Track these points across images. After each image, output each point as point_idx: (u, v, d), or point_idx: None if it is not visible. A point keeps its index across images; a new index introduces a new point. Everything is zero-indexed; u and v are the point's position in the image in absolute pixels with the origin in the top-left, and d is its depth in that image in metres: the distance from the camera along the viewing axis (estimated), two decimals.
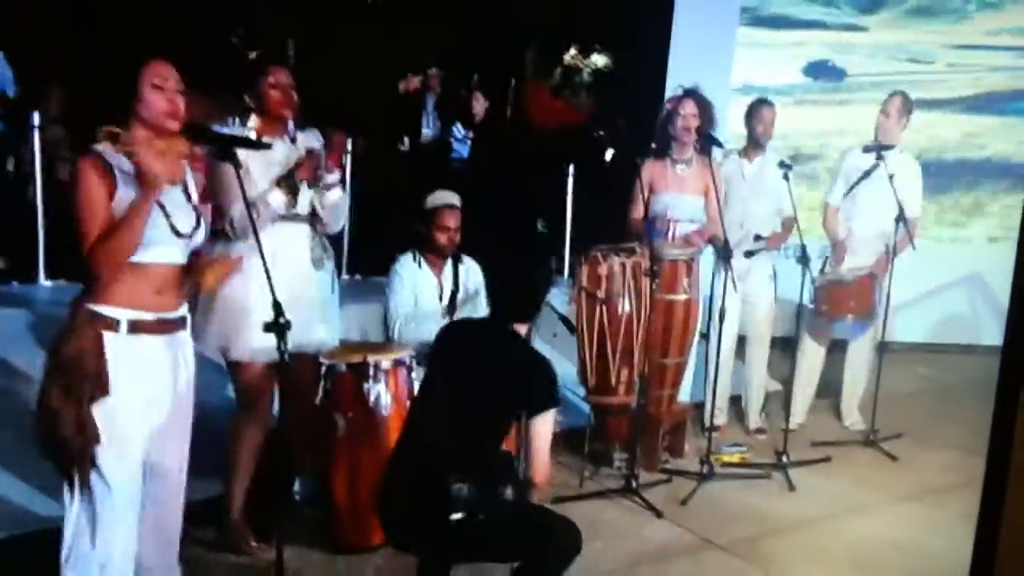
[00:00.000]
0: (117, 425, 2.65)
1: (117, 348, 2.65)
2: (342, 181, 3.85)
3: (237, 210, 3.34)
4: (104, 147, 2.65)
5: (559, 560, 2.94)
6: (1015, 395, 1.44)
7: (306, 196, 3.68)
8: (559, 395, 3.02)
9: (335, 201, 3.76)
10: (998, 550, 1.49)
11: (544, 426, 2.94)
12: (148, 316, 2.71)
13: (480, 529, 2.82)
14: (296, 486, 4.16)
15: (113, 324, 2.64)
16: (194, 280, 2.97)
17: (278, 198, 3.50)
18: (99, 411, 2.62)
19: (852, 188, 5.57)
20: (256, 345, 3.44)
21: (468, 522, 2.78)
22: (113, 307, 2.64)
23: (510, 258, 3.31)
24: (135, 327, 2.68)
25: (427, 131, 8.23)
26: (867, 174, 5.47)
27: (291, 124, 3.67)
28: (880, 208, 5.49)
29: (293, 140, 3.64)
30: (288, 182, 3.53)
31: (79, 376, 2.59)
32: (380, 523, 3.05)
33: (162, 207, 2.69)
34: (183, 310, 2.89)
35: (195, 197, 2.90)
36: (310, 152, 3.59)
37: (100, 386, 2.61)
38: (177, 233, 2.73)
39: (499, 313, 3.15)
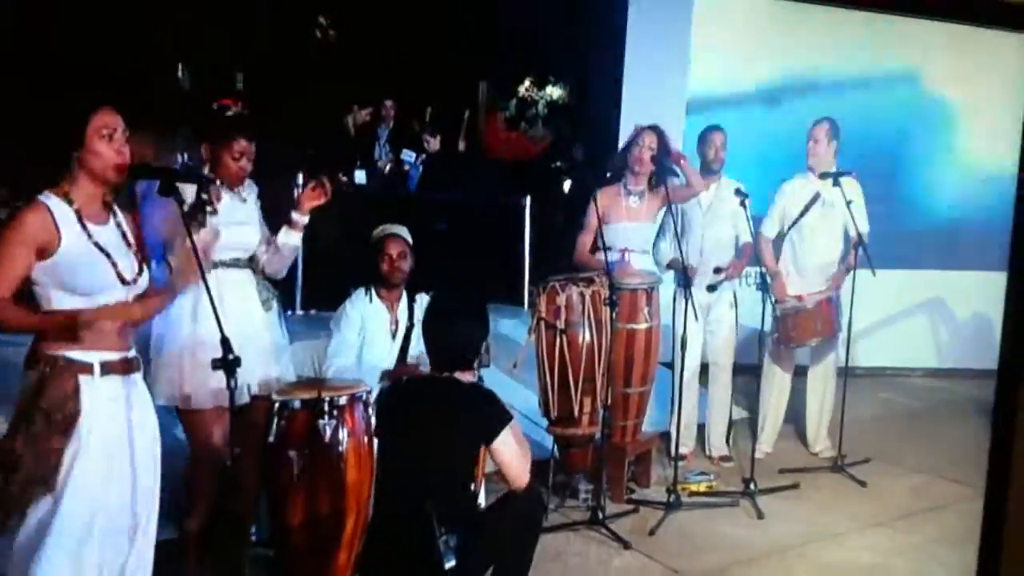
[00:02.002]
0: (88, 470, 2.59)
1: (92, 391, 2.61)
2: (277, 213, 3.82)
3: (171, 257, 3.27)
4: (50, 198, 2.59)
5: (526, 547, 3.21)
6: (1012, 415, 1.41)
7: (246, 237, 3.67)
8: (506, 412, 3.16)
9: (294, 244, 3.78)
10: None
11: (504, 445, 3.11)
12: (114, 356, 2.69)
13: (468, 566, 3.01)
14: (253, 527, 4.02)
15: (88, 368, 2.60)
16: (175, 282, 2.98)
17: (203, 236, 3.34)
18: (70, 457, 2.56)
19: (799, 219, 5.56)
20: (207, 390, 3.44)
21: (461, 566, 2.95)
22: (85, 351, 2.59)
23: (443, 311, 3.35)
24: (106, 369, 2.65)
25: (380, 163, 8.16)
26: (811, 203, 5.49)
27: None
28: (828, 235, 5.55)
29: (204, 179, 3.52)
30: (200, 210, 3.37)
31: (56, 423, 2.53)
32: None
33: (107, 255, 2.64)
34: (134, 351, 2.84)
35: (133, 239, 2.83)
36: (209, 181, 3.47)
37: (68, 433, 2.55)
38: (123, 280, 2.70)
39: (438, 365, 3.26)
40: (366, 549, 3.23)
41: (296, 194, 3.84)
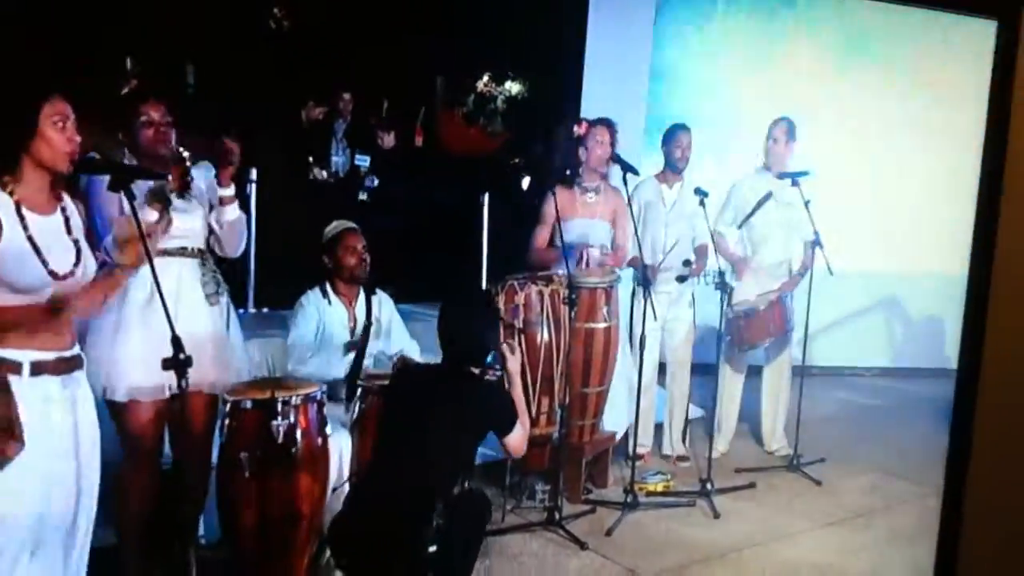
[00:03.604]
0: (17, 475, 2.47)
1: (22, 393, 2.48)
2: (241, 200, 3.69)
3: (110, 237, 3.13)
4: None
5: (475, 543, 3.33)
6: (970, 413, 1.40)
7: (193, 223, 3.55)
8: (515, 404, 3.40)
9: (232, 220, 3.63)
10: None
11: (516, 434, 3.37)
12: (49, 356, 2.56)
13: (446, 553, 3.11)
14: (201, 529, 3.94)
15: (16, 367, 2.48)
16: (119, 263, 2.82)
17: (150, 215, 3.19)
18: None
19: (749, 217, 5.59)
20: (134, 383, 3.33)
21: (440, 551, 3.07)
22: (14, 349, 2.48)
23: (461, 310, 3.47)
24: (38, 368, 2.53)
25: (336, 158, 8.03)
26: (762, 202, 5.51)
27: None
28: (781, 234, 5.59)
29: (163, 176, 3.37)
30: (158, 195, 3.24)
31: None
32: (340, 560, 3.28)
33: (35, 247, 2.51)
34: (77, 348, 2.73)
35: (77, 231, 2.71)
36: (176, 160, 3.35)
37: (14, 436, 2.45)
38: (55, 275, 2.55)
39: (454, 360, 3.39)
40: (342, 529, 3.21)
41: None
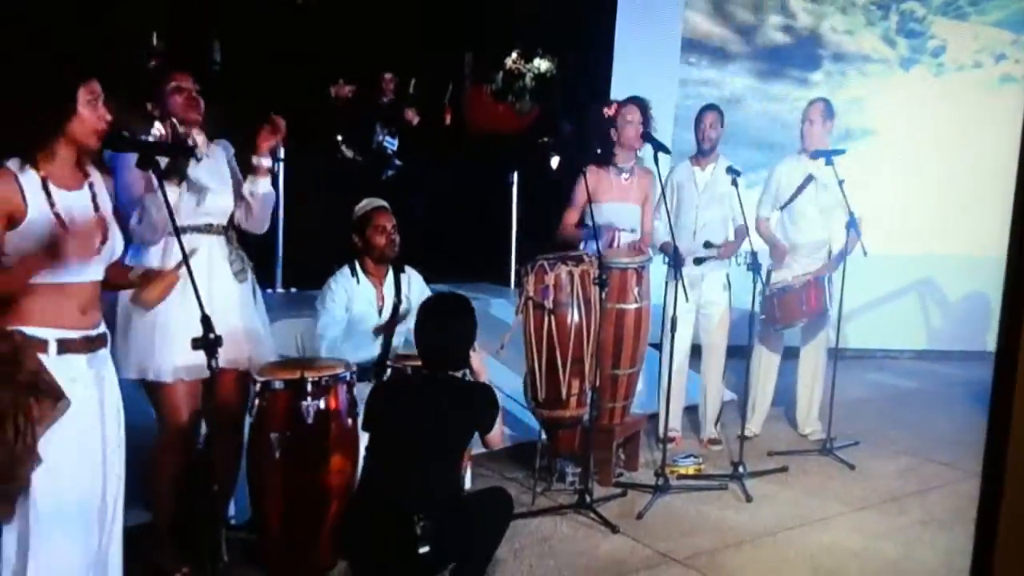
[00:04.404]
0: (54, 450, 2.49)
1: (51, 369, 2.50)
2: (273, 176, 3.68)
3: (135, 216, 3.20)
4: (15, 164, 2.48)
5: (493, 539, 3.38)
6: (1009, 396, 1.34)
7: (219, 201, 3.55)
8: (497, 400, 3.38)
9: (265, 192, 3.63)
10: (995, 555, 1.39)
11: (494, 433, 3.38)
12: (75, 335, 2.57)
13: (440, 552, 3.14)
14: (232, 510, 3.94)
15: (43, 345, 2.49)
16: (137, 296, 2.86)
17: (172, 191, 3.22)
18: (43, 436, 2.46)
19: (791, 200, 5.54)
20: (178, 364, 3.34)
21: (432, 551, 3.07)
22: (40, 328, 2.49)
23: (433, 315, 3.41)
24: (64, 347, 2.53)
25: (379, 138, 7.94)
26: (804, 185, 5.47)
27: (195, 132, 3.50)
28: (821, 215, 5.52)
29: (188, 153, 3.38)
30: (178, 169, 3.29)
31: (29, 399, 2.43)
32: (348, 558, 3.39)
33: (64, 225, 2.50)
34: (103, 326, 2.73)
35: (104, 207, 2.70)
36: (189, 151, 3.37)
37: (55, 395, 2.47)
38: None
39: (432, 366, 3.38)
40: (348, 530, 3.25)
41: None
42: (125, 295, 3.22)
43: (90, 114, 2.55)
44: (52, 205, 2.49)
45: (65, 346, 2.54)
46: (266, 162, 3.60)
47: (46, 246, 2.41)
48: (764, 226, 5.58)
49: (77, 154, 2.61)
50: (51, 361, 2.50)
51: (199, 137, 3.48)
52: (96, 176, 2.70)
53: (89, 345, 2.63)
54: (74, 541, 2.58)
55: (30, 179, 2.48)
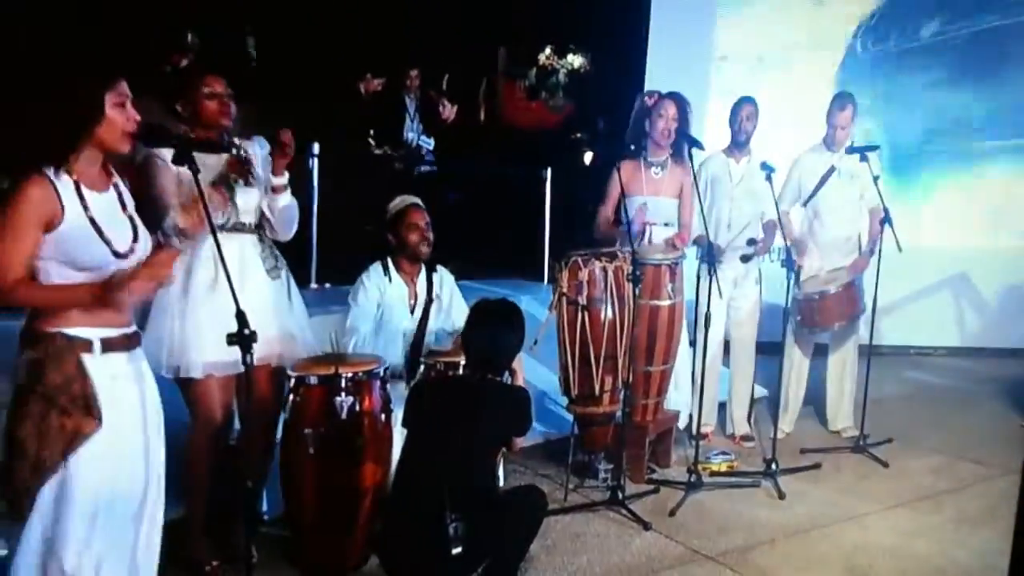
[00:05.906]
0: (98, 451, 2.51)
1: (94, 370, 2.52)
2: (292, 185, 3.71)
3: (171, 215, 3.24)
4: (51, 169, 2.49)
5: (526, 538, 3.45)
6: None
7: (251, 200, 3.58)
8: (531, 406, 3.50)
9: (284, 206, 3.65)
10: None
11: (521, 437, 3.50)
12: (114, 333, 2.59)
13: (474, 551, 3.19)
14: (264, 505, 3.98)
15: (88, 345, 2.52)
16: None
17: (216, 199, 3.32)
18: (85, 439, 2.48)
19: (813, 194, 5.52)
20: (208, 359, 3.38)
21: (465, 551, 3.14)
22: (83, 328, 2.52)
23: (484, 319, 3.49)
24: (107, 346, 2.56)
25: (411, 135, 7.97)
26: (826, 178, 5.43)
27: (225, 134, 3.53)
28: (847, 209, 5.51)
29: (227, 149, 3.46)
30: (224, 182, 3.38)
31: (62, 405, 2.46)
32: (382, 560, 3.36)
33: (97, 228, 2.53)
34: (134, 324, 2.76)
35: (130, 207, 2.72)
36: (238, 152, 3.46)
37: (92, 414, 2.49)
38: (116, 254, 2.57)
39: (476, 368, 3.47)
40: (384, 529, 3.33)
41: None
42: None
43: (119, 116, 2.56)
44: (86, 209, 2.52)
45: (108, 345, 2.57)
46: (282, 181, 3.61)
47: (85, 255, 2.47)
48: (785, 218, 5.52)
49: (104, 156, 2.63)
50: (95, 360, 2.53)
51: (246, 143, 3.54)
52: (116, 176, 2.73)
53: (127, 343, 2.66)
54: (114, 538, 2.60)
55: (64, 183, 2.50)
